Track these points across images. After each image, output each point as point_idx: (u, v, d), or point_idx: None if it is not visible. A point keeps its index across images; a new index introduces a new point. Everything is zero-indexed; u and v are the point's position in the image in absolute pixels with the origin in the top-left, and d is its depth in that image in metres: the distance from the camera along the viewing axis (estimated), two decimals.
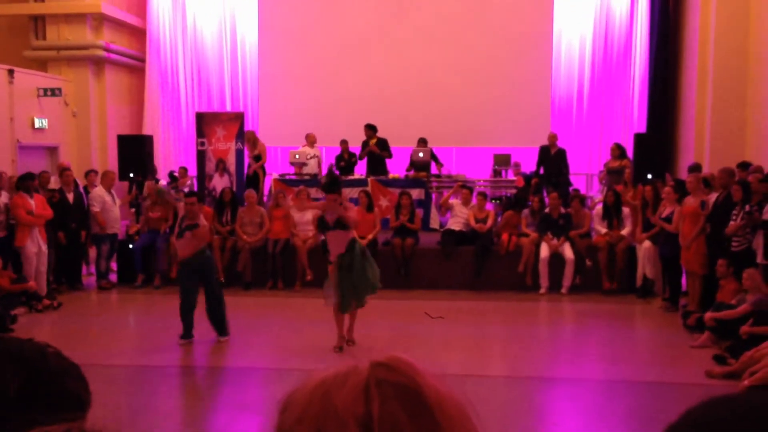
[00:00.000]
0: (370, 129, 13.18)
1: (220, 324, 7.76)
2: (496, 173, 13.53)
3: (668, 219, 9.20)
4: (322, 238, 7.92)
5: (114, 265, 11.24)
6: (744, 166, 9.39)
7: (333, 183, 7.88)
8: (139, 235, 11.15)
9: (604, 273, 10.32)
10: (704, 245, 8.62)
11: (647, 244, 9.87)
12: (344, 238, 7.20)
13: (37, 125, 12.49)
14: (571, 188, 12.50)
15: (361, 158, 13.28)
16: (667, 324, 8.71)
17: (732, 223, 8.06)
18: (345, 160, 13.38)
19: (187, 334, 7.69)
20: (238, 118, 13.18)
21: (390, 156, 13.25)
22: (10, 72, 11.91)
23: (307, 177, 12.79)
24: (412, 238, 10.86)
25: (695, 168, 10.34)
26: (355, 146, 13.44)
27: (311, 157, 13.19)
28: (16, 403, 0.90)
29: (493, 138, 14.38)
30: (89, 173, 11.39)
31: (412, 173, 12.91)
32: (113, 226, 11.06)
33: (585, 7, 15.02)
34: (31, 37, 13.60)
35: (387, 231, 11.20)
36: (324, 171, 13.55)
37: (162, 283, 10.83)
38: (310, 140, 13.37)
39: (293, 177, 12.97)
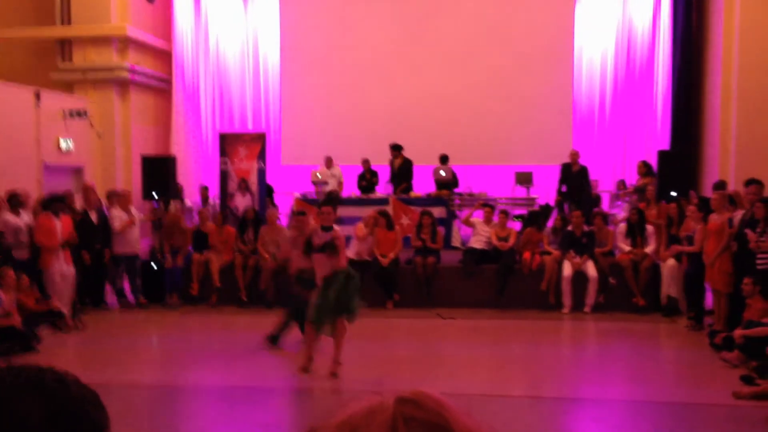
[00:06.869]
0: (395, 149, 13.24)
1: None
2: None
3: (693, 237, 9.10)
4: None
5: (126, 285, 11.26)
6: (756, 183, 9.32)
7: (331, 198, 7.90)
8: (162, 255, 11.22)
9: (635, 290, 10.20)
10: (728, 263, 8.49)
11: (671, 262, 9.76)
12: (330, 262, 6.95)
13: (62, 146, 12.66)
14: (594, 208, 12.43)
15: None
16: (692, 343, 8.58)
17: (750, 234, 7.92)
18: (366, 180, 13.44)
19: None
20: (260, 138, 13.28)
21: (410, 181, 13.25)
22: (37, 94, 12.11)
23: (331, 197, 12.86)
24: (433, 256, 10.83)
25: (720, 185, 10.22)
26: (377, 164, 13.49)
27: (331, 177, 13.31)
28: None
29: (515, 156, 14.33)
30: (110, 194, 11.52)
31: (434, 191, 12.93)
32: (132, 247, 11.11)
33: (606, 23, 14.96)
34: (58, 59, 13.83)
35: (408, 249, 11.18)
36: (345, 191, 13.64)
37: (181, 302, 10.94)
38: (328, 163, 13.54)
39: (315, 196, 13.04)
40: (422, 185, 13.49)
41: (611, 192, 14.15)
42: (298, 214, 8.02)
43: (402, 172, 13.25)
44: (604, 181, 14.30)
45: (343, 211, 12.21)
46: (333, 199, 7.50)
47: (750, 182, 9.22)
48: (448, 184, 12.95)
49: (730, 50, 12.02)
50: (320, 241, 6.95)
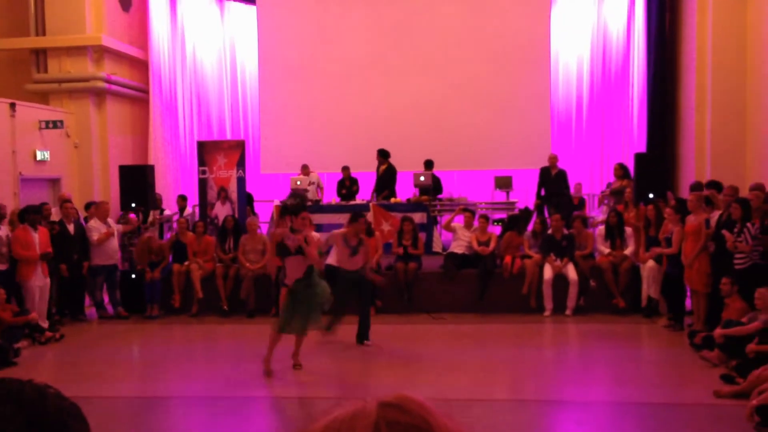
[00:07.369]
0: (382, 156, 13.25)
1: None
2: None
3: (671, 239, 9.20)
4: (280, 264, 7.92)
5: (106, 297, 11.13)
6: (715, 185, 9.49)
7: (303, 202, 8.11)
8: (142, 267, 11.10)
9: (615, 292, 10.27)
10: (706, 263, 8.58)
11: (651, 263, 9.84)
12: (303, 263, 7.20)
13: (39, 157, 12.53)
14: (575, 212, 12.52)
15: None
16: (672, 343, 8.65)
17: (728, 235, 8.03)
18: (346, 187, 13.44)
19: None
20: (239, 146, 13.23)
21: (392, 188, 13.29)
22: (12, 105, 11.98)
23: (309, 203, 12.83)
24: (415, 262, 10.83)
25: (696, 187, 10.34)
26: (357, 171, 13.50)
27: (310, 184, 13.32)
28: None
29: (494, 161, 14.41)
30: (89, 205, 11.40)
31: (413, 197, 12.94)
32: (110, 258, 11.00)
33: (581, 27, 15.12)
34: (33, 70, 13.68)
35: (389, 255, 11.18)
36: (325, 197, 13.62)
37: (162, 312, 10.84)
38: (305, 170, 13.55)
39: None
40: (403, 191, 13.52)
41: (591, 194, 14.28)
42: (357, 217, 8.42)
43: (385, 179, 13.26)
44: (582, 184, 14.43)
45: (323, 219, 12.21)
46: (304, 203, 7.78)
47: (710, 184, 9.48)
48: (428, 189, 12.98)
49: (704, 52, 12.18)
50: (294, 244, 7.11)
